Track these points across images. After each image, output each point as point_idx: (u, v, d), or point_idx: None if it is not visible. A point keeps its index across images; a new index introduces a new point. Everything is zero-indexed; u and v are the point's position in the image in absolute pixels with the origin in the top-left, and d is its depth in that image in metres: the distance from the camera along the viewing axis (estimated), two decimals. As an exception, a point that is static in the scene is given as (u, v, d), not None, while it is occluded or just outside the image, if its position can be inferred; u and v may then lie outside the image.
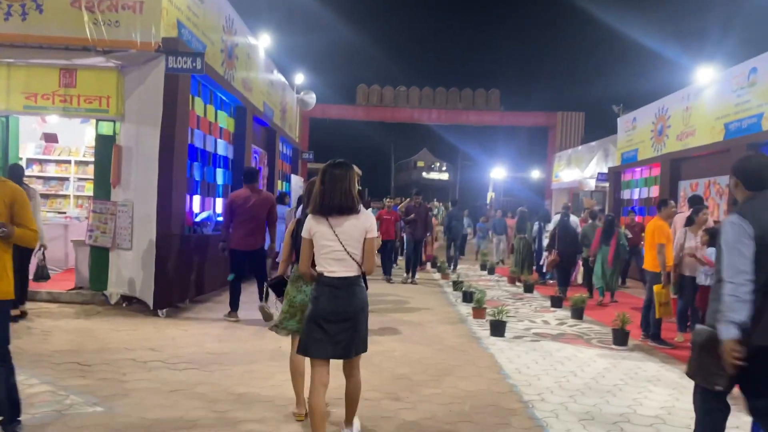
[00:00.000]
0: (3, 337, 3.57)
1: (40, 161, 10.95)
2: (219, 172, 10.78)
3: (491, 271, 15.24)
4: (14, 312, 6.76)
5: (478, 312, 8.46)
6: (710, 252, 6.72)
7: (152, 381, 4.93)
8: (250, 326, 7.32)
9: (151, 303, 7.65)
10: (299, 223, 4.01)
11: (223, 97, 10.77)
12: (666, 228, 7.41)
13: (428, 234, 13.96)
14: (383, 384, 5.16)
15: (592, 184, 20.91)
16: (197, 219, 9.49)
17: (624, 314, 7.14)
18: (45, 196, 10.74)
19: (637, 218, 13.11)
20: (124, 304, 7.97)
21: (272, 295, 4.83)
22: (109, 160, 7.95)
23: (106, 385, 4.77)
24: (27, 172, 10.57)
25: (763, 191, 3.14)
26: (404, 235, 14.39)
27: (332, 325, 3.48)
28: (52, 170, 11.00)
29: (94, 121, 8.37)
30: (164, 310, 7.66)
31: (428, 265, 16.13)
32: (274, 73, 14.88)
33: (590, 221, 11.92)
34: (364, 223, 3.53)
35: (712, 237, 6.61)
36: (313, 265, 3.60)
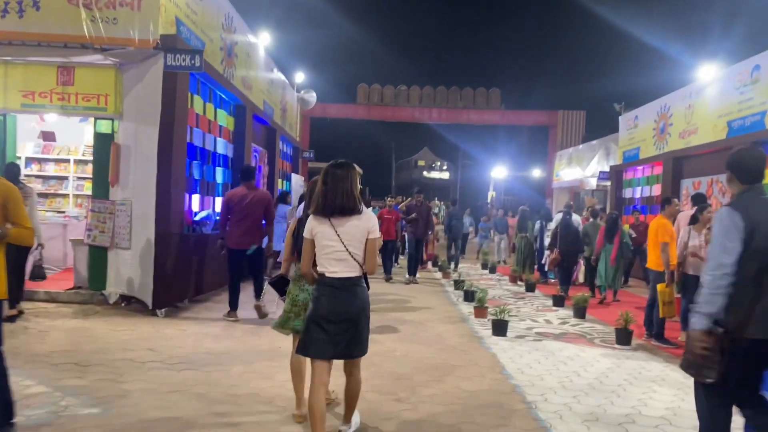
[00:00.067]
0: (-4, 338, 3.49)
1: (39, 160, 10.89)
2: (218, 170, 10.72)
3: (492, 270, 15.17)
4: (11, 312, 6.71)
5: (480, 311, 8.39)
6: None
7: (150, 381, 4.86)
8: (250, 326, 7.26)
9: (149, 303, 7.58)
10: (300, 223, 3.98)
11: (223, 96, 10.70)
12: (669, 226, 7.34)
13: (429, 233, 13.89)
14: (384, 384, 5.09)
15: (593, 182, 20.85)
16: (196, 218, 9.42)
17: (627, 313, 7.07)
18: (44, 196, 10.69)
19: (640, 217, 13.02)
20: (122, 304, 7.90)
21: (271, 294, 4.78)
22: (108, 159, 7.88)
23: (103, 385, 4.70)
24: (26, 171, 10.57)
25: (756, 184, 3.16)
26: (405, 235, 14.32)
27: (333, 326, 3.46)
28: (51, 169, 10.93)
29: (92, 119, 8.30)
30: (163, 310, 7.60)
31: (429, 264, 16.06)
32: (274, 72, 14.81)
33: (591, 220, 11.86)
34: (366, 223, 3.52)
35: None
36: (314, 265, 3.58)
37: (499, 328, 7.28)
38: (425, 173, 63.81)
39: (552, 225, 12.41)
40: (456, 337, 7.17)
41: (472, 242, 21.56)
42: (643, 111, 16.34)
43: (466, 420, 4.35)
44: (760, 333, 2.99)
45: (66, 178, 10.88)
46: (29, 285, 7.37)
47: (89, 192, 9.09)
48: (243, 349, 6.13)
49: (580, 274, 12.66)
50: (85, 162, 10.55)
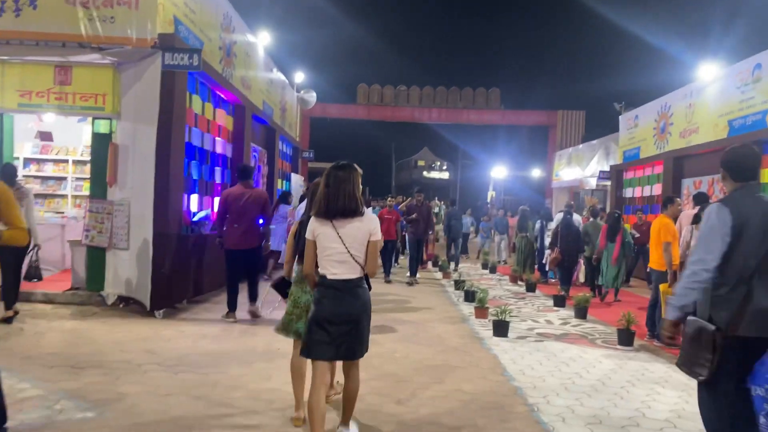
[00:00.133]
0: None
1: (38, 161, 10.81)
2: (217, 170, 10.66)
3: (493, 270, 15.11)
4: (7, 313, 6.65)
5: (481, 312, 8.33)
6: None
7: (147, 384, 4.80)
8: (248, 327, 7.20)
9: (147, 304, 7.52)
10: (302, 225, 3.98)
11: (222, 95, 10.64)
12: (672, 226, 7.28)
13: (430, 233, 13.81)
14: (384, 386, 5.03)
15: (593, 182, 20.80)
16: (195, 218, 9.36)
17: (629, 314, 7.01)
18: (42, 196, 10.62)
19: (643, 217, 12.94)
20: (121, 305, 7.84)
21: (272, 296, 4.75)
22: (106, 159, 7.82)
23: (99, 388, 4.63)
24: (24, 172, 10.50)
25: (749, 182, 3.19)
26: (405, 235, 14.24)
27: (335, 327, 3.46)
28: (49, 170, 10.85)
29: (90, 119, 8.24)
30: (161, 311, 7.53)
31: (429, 264, 16.00)
32: (273, 72, 14.75)
33: (591, 219, 11.81)
34: (368, 225, 3.53)
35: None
36: (316, 266, 3.58)
37: (500, 328, 7.22)
38: (425, 173, 63.73)
39: (552, 225, 12.36)
40: (457, 338, 7.11)
41: (473, 242, 21.49)
42: (644, 110, 16.28)
43: (467, 423, 4.29)
44: (752, 331, 3.00)
45: (64, 178, 10.81)
46: (26, 286, 7.32)
47: (88, 192, 9.04)
48: (241, 350, 6.06)
49: (581, 274, 12.61)
50: (84, 162, 10.48)
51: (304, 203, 4.72)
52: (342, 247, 3.46)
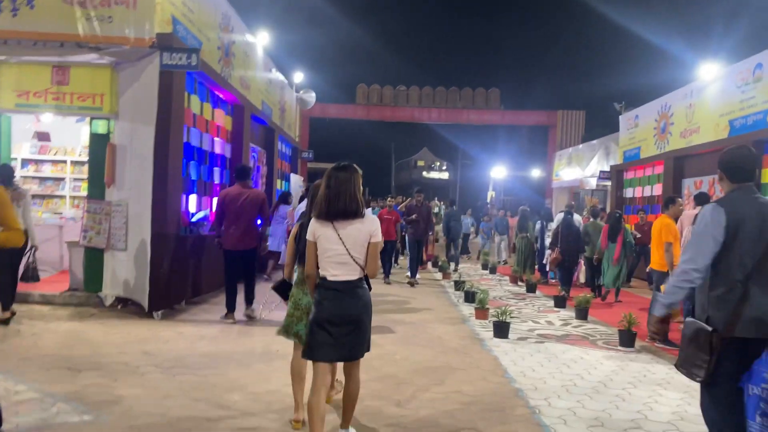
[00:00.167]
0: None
1: (36, 161, 10.77)
2: (216, 171, 10.61)
3: (493, 271, 15.07)
4: (4, 315, 6.60)
5: (481, 313, 8.28)
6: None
7: (144, 387, 4.75)
8: (247, 328, 7.15)
9: (145, 305, 7.47)
10: (303, 228, 3.97)
11: (220, 95, 10.59)
12: (673, 226, 7.24)
13: (430, 233, 13.73)
14: (384, 389, 4.98)
15: (593, 182, 20.76)
16: (193, 219, 9.31)
17: (630, 315, 6.97)
18: (40, 197, 10.57)
19: (646, 217, 12.89)
20: (119, 306, 7.79)
21: (272, 297, 4.72)
22: (104, 159, 7.78)
23: (96, 391, 4.59)
24: (22, 172, 10.46)
25: (746, 183, 3.19)
26: (405, 235, 14.16)
27: (337, 328, 3.46)
28: (47, 170, 10.80)
29: (88, 119, 8.20)
30: (159, 312, 7.48)
31: (429, 265, 15.96)
32: (272, 72, 14.71)
33: (591, 219, 11.77)
34: (369, 227, 3.52)
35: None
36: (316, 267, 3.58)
37: (501, 329, 7.18)
38: (425, 173, 63.67)
39: (553, 225, 12.31)
40: (457, 339, 7.07)
41: (473, 242, 21.44)
42: (644, 110, 16.24)
43: (468, 425, 4.24)
44: (749, 331, 3.00)
45: (63, 179, 10.76)
46: (24, 287, 7.27)
47: (86, 193, 9.00)
48: (240, 351, 6.02)
49: (581, 275, 12.57)
50: (82, 163, 10.41)
51: (303, 203, 4.70)
52: (342, 248, 3.45)
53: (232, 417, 4.21)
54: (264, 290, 9.65)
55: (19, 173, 10.13)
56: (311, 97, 18.83)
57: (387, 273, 12.36)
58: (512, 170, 43.26)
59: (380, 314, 8.30)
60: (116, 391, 4.60)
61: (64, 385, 4.69)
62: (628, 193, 17.15)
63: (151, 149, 7.58)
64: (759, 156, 10.64)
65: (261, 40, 13.72)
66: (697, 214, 7.65)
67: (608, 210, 15.79)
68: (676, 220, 7.62)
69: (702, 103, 12.80)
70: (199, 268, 8.93)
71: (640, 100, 17.09)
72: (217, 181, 10.66)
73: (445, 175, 62.78)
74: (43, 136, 10.37)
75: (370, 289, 3.63)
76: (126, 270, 7.71)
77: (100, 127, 7.96)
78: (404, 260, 15.46)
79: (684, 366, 3.21)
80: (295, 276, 4.25)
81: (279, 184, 15.39)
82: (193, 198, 9.56)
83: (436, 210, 22.23)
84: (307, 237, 3.57)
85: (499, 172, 42.64)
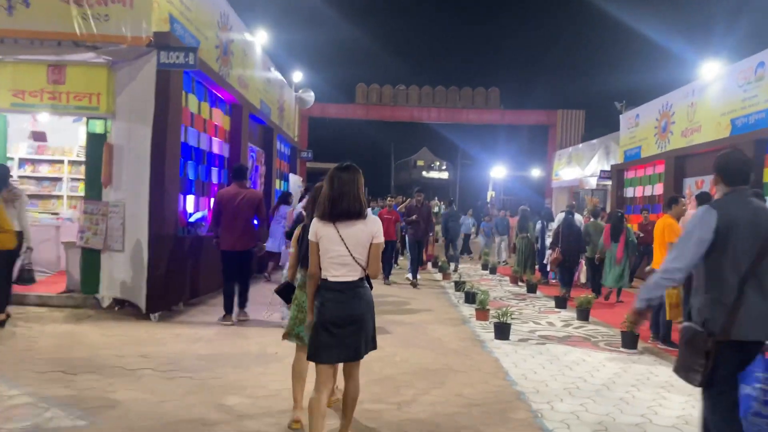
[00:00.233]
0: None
1: (33, 161, 10.70)
2: (214, 171, 10.53)
3: (493, 271, 15.00)
4: (0, 317, 6.52)
5: (482, 314, 8.20)
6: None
7: (141, 391, 4.68)
8: (245, 330, 7.07)
9: (143, 306, 7.39)
10: (305, 230, 3.95)
11: (218, 94, 10.51)
12: (676, 226, 7.16)
13: (430, 234, 13.62)
14: (384, 392, 4.91)
15: (593, 182, 20.69)
16: (191, 219, 9.24)
17: (633, 316, 6.88)
18: (38, 197, 10.50)
19: (650, 216, 12.80)
20: (116, 308, 7.71)
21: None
22: (101, 160, 7.70)
23: (91, 395, 4.51)
24: (19, 172, 10.39)
25: (741, 186, 3.23)
26: (405, 236, 14.06)
27: (341, 330, 3.44)
28: (45, 170, 10.74)
29: (85, 119, 8.12)
30: (157, 314, 7.40)
31: (429, 265, 15.88)
32: (271, 71, 14.63)
33: (592, 219, 11.70)
34: (371, 227, 3.51)
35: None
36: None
37: (502, 331, 7.10)
38: (424, 173, 63.52)
39: (554, 225, 12.24)
40: (457, 341, 6.99)
41: (474, 243, 21.37)
42: (645, 109, 16.17)
43: (470, 430, 4.17)
44: (745, 334, 3.02)
45: (60, 179, 10.70)
46: (20, 289, 7.19)
47: (83, 193, 8.92)
48: (238, 354, 5.94)
49: (582, 275, 12.49)
50: (80, 163, 10.35)
51: (301, 204, 4.65)
52: (344, 249, 3.43)
53: (229, 422, 4.13)
54: (263, 291, 9.61)
55: (16, 173, 10.06)
56: (310, 96, 18.74)
57: (387, 274, 12.27)
58: (512, 170, 43.20)
59: (380, 315, 8.17)
60: (112, 395, 4.53)
61: (59, 389, 4.62)
62: (629, 192, 17.08)
63: (148, 149, 7.51)
64: (761, 155, 10.58)
65: (260, 39, 13.65)
66: (696, 215, 7.59)
67: (608, 210, 15.72)
68: (678, 220, 7.54)
69: (703, 101, 12.73)
70: (196, 269, 8.85)
71: (641, 99, 17.03)
72: (215, 181, 10.58)
73: (444, 175, 62.66)
74: (38, 136, 10.30)
75: (371, 288, 3.62)
76: (123, 271, 7.63)
77: (97, 126, 7.88)
78: (404, 261, 15.38)
79: (681, 370, 3.23)
80: (298, 278, 4.21)
81: (278, 184, 15.30)
82: (190, 198, 9.48)
83: (435, 210, 22.16)
84: (309, 237, 3.56)
85: (498, 171, 42.57)
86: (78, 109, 7.77)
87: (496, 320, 7.19)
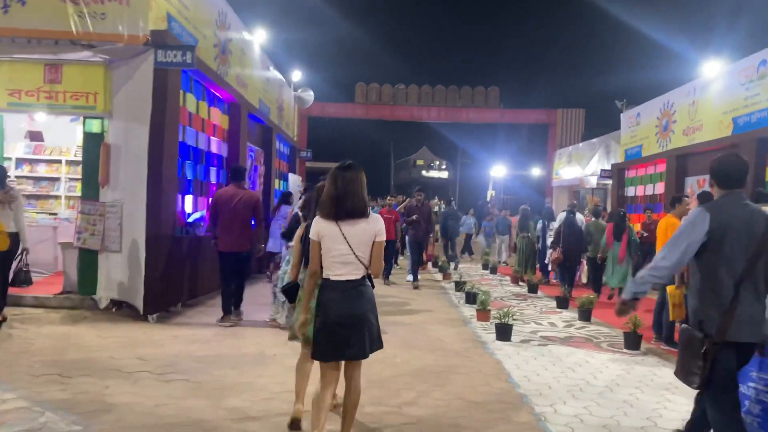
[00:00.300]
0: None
1: (30, 161, 10.62)
2: (212, 170, 10.45)
3: (493, 271, 14.93)
4: (-5, 319, 6.45)
5: (483, 314, 8.13)
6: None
7: (137, 394, 4.60)
8: (243, 331, 7.01)
9: (140, 307, 7.32)
10: (308, 229, 3.88)
11: (217, 93, 10.43)
12: (679, 225, 7.09)
13: (430, 234, 13.51)
14: (384, 395, 4.84)
15: (593, 181, 20.63)
16: (189, 219, 9.16)
17: (635, 317, 6.81)
18: (35, 197, 10.43)
19: (653, 216, 12.72)
20: (113, 309, 7.64)
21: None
22: (98, 159, 7.62)
23: (87, 399, 4.44)
24: (17, 172, 10.32)
25: (735, 190, 3.27)
26: (406, 236, 13.96)
27: (344, 329, 3.43)
28: (42, 170, 10.66)
29: (82, 118, 8.04)
30: (155, 315, 7.33)
31: (429, 265, 15.81)
32: (270, 70, 14.55)
33: (593, 219, 11.63)
34: (374, 226, 3.49)
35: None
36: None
37: (503, 332, 7.03)
38: (424, 172, 63.42)
39: (555, 224, 12.17)
40: (458, 342, 6.92)
41: (476, 242, 21.29)
42: (646, 108, 16.10)
43: (472, 434, 4.10)
44: (741, 336, 3.06)
45: (58, 179, 10.62)
46: (17, 290, 7.12)
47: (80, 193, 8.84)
48: (236, 356, 5.87)
49: (583, 275, 12.42)
50: (77, 163, 10.23)
51: (299, 204, 4.60)
52: (347, 248, 3.41)
53: (227, 426, 4.06)
54: (263, 291, 9.55)
55: (13, 173, 10.00)
56: (309, 95, 18.66)
57: (387, 274, 12.17)
58: (512, 169, 43.12)
59: (380, 316, 8.02)
60: (108, 399, 4.46)
61: (54, 392, 4.55)
62: (630, 191, 17.01)
63: (145, 149, 7.44)
64: (763, 153, 10.51)
65: (258, 38, 13.57)
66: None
67: (609, 209, 15.65)
68: (681, 219, 7.47)
69: (705, 100, 12.66)
70: (195, 269, 8.78)
71: (641, 98, 16.95)
72: (213, 180, 10.50)
73: (444, 174, 62.57)
74: (35, 136, 10.22)
75: (373, 287, 3.60)
76: (120, 272, 7.56)
77: (94, 126, 7.81)
78: (404, 260, 15.31)
79: (680, 373, 3.26)
80: (301, 277, 4.14)
81: (277, 184, 15.23)
82: (189, 198, 9.40)
83: (435, 209, 22.10)
84: (310, 236, 3.54)
85: (498, 170, 42.50)
86: (75, 108, 7.71)
87: (497, 321, 7.12)
